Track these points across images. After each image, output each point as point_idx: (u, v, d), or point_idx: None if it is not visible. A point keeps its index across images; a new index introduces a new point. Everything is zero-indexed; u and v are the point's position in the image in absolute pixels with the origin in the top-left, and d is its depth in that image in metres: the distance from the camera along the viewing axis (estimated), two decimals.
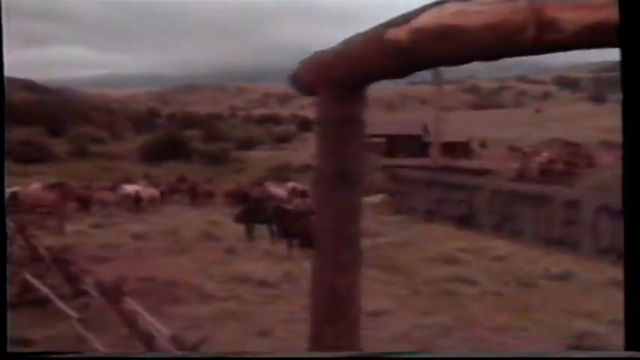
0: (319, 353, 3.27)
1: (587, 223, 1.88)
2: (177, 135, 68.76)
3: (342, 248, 3.25)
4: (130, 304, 7.77)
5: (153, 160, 59.83)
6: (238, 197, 19.72)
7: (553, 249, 2.02)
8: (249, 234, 17.26)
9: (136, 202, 27.04)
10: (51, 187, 25.10)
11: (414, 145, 55.46)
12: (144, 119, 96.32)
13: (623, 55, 1.25)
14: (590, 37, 1.77)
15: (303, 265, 11.49)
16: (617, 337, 8.58)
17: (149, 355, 5.85)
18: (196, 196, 32.38)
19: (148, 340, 7.18)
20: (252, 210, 17.71)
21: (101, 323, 8.23)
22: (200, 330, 8.69)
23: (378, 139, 56.24)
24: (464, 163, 52.89)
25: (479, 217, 2.33)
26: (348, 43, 3.02)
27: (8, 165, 3.07)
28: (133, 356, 5.12)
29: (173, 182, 37.44)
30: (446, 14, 2.27)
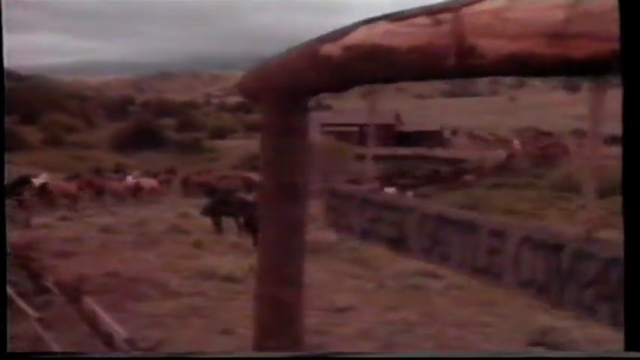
0: (270, 353, 3.23)
1: (510, 254, 1.85)
2: (150, 124, 68.21)
3: (285, 261, 3.22)
4: (89, 303, 7.70)
5: (126, 149, 59.32)
6: (205, 190, 19.50)
7: (478, 277, 1.99)
8: (217, 227, 17.13)
9: (136, 192, 28.02)
10: (71, 178, 28.86)
11: (387, 134, 55.30)
12: (118, 107, 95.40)
13: (624, 55, 1.21)
14: (509, 66, 1.75)
15: None
16: (580, 333, 8.66)
17: (146, 354, 5.80)
18: (188, 187, 32.54)
19: (107, 339, 7.12)
20: (219, 202, 17.53)
21: (63, 321, 8.14)
22: (162, 327, 8.62)
23: (350, 129, 56.20)
24: (438, 152, 53.14)
25: (410, 240, 2.29)
26: (287, 55, 2.98)
27: None
28: (130, 356, 5.08)
29: (164, 174, 37.39)
30: (376, 33, 2.24)
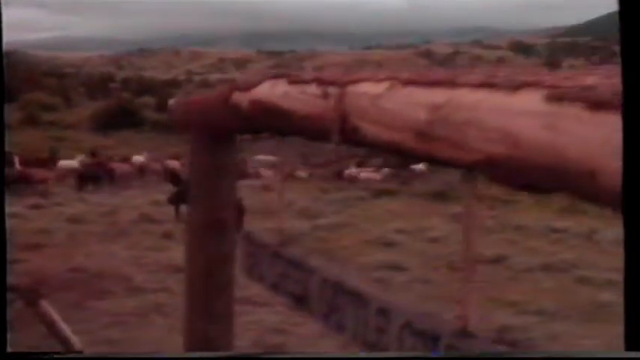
0: (216, 353, 3.22)
1: (394, 336, 1.83)
2: (130, 103, 67.75)
3: (213, 296, 3.20)
4: (46, 307, 7.60)
5: (105, 129, 58.93)
6: (170, 178, 19.24)
7: (369, 352, 1.97)
8: (184, 216, 16.92)
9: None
10: (124, 160, 33.71)
11: None
12: (98, 84, 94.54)
13: (624, 54, 1.19)
14: (388, 150, 1.74)
15: None
16: (541, 329, 8.73)
17: (147, 354, 5.77)
18: None
19: (65, 344, 7.06)
20: (185, 191, 17.03)
21: (25, 321, 8.06)
22: (123, 327, 8.59)
23: None
24: None
25: (311, 302, 2.27)
26: (206, 96, 2.99)
27: None
28: (131, 356, 5.05)
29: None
30: (276, 93, 2.24)
